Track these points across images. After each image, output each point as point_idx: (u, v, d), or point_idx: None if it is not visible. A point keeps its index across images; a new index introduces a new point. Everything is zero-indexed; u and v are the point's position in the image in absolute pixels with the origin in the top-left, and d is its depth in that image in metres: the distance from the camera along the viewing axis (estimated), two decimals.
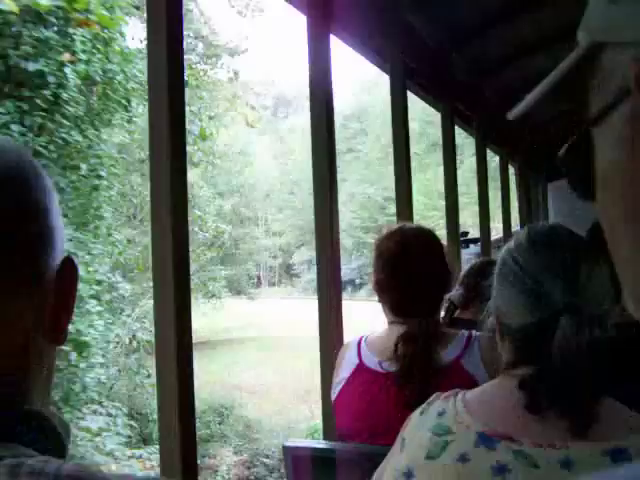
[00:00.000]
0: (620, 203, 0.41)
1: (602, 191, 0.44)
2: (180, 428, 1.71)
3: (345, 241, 40.17)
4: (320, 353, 2.58)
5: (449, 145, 5.15)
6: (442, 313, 2.27)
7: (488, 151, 7.21)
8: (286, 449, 2.05)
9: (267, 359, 20.36)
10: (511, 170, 8.55)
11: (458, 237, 5.26)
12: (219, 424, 13.50)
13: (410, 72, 4.27)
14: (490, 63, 6.11)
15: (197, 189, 18.69)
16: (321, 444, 2.23)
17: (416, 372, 1.90)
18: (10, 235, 0.63)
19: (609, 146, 0.41)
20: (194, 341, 1.86)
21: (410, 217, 3.77)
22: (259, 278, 52.42)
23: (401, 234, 2.09)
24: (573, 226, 1.29)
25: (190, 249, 1.79)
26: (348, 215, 44.78)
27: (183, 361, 1.75)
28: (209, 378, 15.60)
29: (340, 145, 50.26)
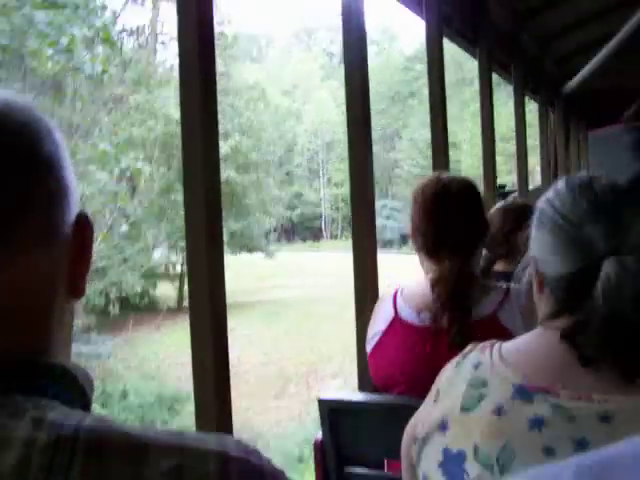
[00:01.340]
0: None
1: None
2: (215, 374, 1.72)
3: (404, 191, 39.74)
4: (355, 305, 2.58)
5: (486, 91, 5.03)
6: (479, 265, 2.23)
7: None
8: (322, 402, 2.05)
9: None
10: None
11: (495, 186, 5.18)
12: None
13: (447, 18, 4.15)
14: (529, 8, 5.93)
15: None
16: (357, 396, 2.23)
17: (453, 318, 1.88)
18: (25, 189, 0.62)
19: None
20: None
21: (446, 167, 3.71)
22: (321, 230, 52.89)
23: (436, 181, 2.08)
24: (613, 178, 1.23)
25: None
26: (408, 162, 44.02)
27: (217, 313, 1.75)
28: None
29: (403, 88, 49.27)
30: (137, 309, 19.87)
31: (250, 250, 25.87)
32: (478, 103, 5.12)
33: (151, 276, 20.74)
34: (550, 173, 7.60)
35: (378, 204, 41.81)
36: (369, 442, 2.03)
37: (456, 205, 2.02)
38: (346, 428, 2.04)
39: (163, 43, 23.13)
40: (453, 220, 2.00)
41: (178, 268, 22.70)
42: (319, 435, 2.09)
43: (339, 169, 53.41)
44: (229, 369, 1.82)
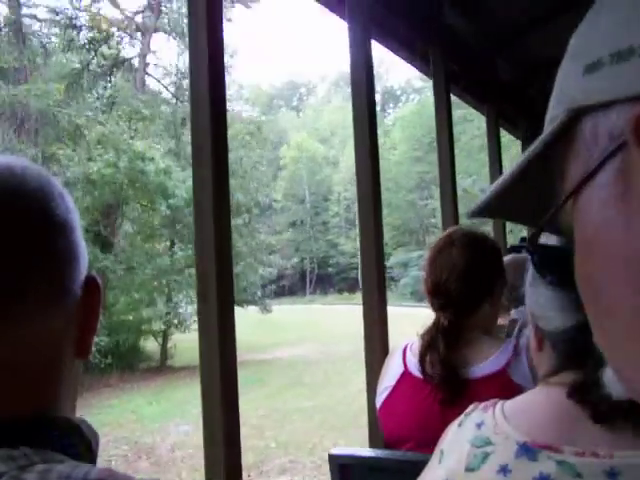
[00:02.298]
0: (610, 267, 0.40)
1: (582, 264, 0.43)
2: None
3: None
4: (365, 359, 2.57)
5: (494, 148, 5.08)
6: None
7: None
8: (332, 457, 2.03)
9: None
10: None
11: (504, 244, 5.18)
12: None
13: (454, 76, 4.23)
14: (535, 64, 6.02)
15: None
16: (367, 452, 2.20)
17: (434, 365, 1.89)
18: (41, 250, 0.65)
19: (595, 211, 0.40)
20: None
21: (455, 221, 3.73)
22: (357, 281, 52.17)
23: (451, 233, 2.08)
24: None
25: None
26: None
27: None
28: None
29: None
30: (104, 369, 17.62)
31: (240, 303, 23.17)
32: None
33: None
34: None
35: (414, 255, 41.33)
36: None
37: (456, 257, 1.99)
38: None
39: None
40: (450, 272, 1.98)
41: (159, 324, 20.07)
42: None
43: None
44: (239, 423, 1.83)
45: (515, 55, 5.54)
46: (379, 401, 2.05)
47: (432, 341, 1.91)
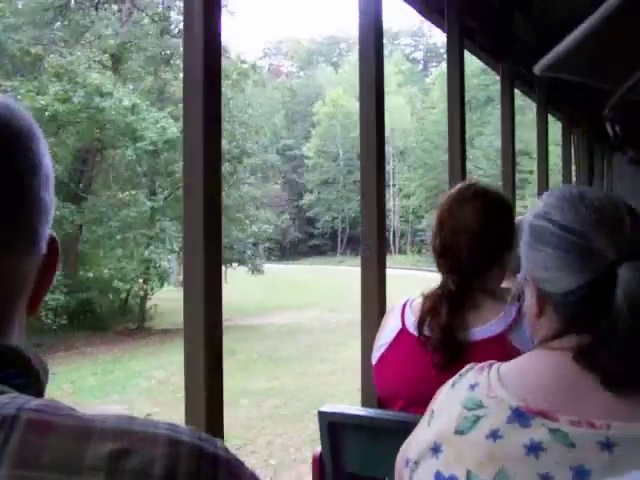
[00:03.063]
0: None
1: None
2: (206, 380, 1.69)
3: None
4: (361, 317, 2.54)
5: (508, 108, 4.98)
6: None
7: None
8: (322, 414, 2.01)
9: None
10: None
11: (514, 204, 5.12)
12: None
13: (469, 30, 4.12)
14: (555, 23, 5.87)
15: None
16: (358, 410, 2.19)
17: (433, 330, 1.84)
18: (18, 198, 0.64)
19: None
20: None
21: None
22: (389, 243, 51.13)
23: (462, 191, 1.98)
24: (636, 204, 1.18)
25: None
26: (477, 173, 42.61)
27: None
28: None
29: (479, 93, 48.39)
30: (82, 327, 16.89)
31: (225, 262, 22.65)
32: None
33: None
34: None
35: None
36: (368, 458, 1.99)
37: (468, 220, 1.92)
38: (346, 443, 2.01)
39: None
40: (460, 234, 1.91)
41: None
42: (318, 449, 2.05)
43: (411, 179, 52.99)
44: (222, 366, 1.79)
45: (534, 14, 5.40)
46: (375, 357, 2.02)
47: (436, 304, 1.86)
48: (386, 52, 69.10)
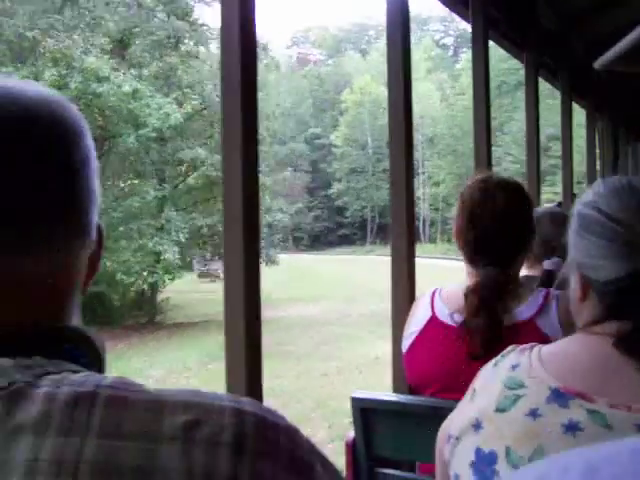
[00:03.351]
0: None
1: None
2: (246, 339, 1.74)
3: None
4: (392, 305, 2.57)
5: (532, 97, 4.96)
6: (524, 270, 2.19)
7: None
8: (354, 400, 2.05)
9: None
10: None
11: (539, 194, 5.11)
12: None
13: (493, 20, 4.11)
14: (579, 11, 5.83)
15: None
16: (390, 396, 2.22)
17: (481, 324, 1.86)
18: (78, 193, 0.67)
19: None
20: None
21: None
22: (418, 231, 49.64)
23: (485, 182, 2.02)
24: None
25: None
26: (508, 159, 41.71)
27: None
28: None
29: (510, 77, 47.25)
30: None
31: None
32: None
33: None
34: (598, 178, 7.44)
35: None
36: (401, 443, 2.02)
37: (501, 211, 1.95)
38: (378, 429, 2.03)
39: None
40: (496, 227, 1.94)
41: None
42: (351, 434, 2.09)
43: (440, 166, 51.77)
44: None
45: (557, 2, 5.36)
46: (405, 345, 2.06)
47: (482, 296, 1.89)
48: (415, 38, 66.10)
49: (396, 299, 2.54)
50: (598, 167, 8.03)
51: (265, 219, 20.45)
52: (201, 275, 28.89)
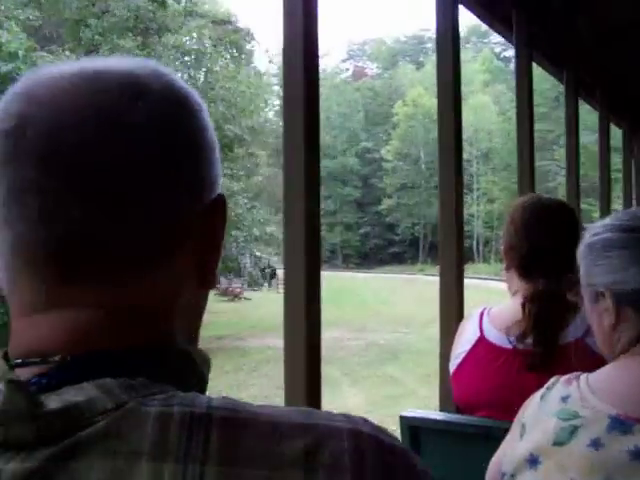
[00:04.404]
0: None
1: None
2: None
3: None
4: (440, 324, 2.57)
5: (573, 118, 4.93)
6: None
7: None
8: (403, 419, 2.05)
9: None
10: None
11: (579, 212, 5.07)
12: None
13: (535, 41, 4.10)
14: (615, 27, 5.78)
15: None
16: (438, 415, 2.22)
17: (538, 335, 1.86)
18: (177, 161, 0.61)
19: None
20: None
21: (532, 190, 3.67)
22: (471, 250, 48.33)
23: (537, 200, 2.08)
24: None
25: None
26: (562, 173, 40.15)
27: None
28: None
29: None
30: None
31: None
32: None
33: None
34: (633, 201, 7.36)
35: None
36: (450, 464, 2.02)
37: (554, 226, 2.00)
38: (426, 447, 2.03)
39: None
40: (551, 241, 1.98)
41: None
42: None
43: (494, 182, 49.96)
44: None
45: (597, 17, 5.33)
46: (453, 366, 2.05)
47: (537, 310, 1.90)
48: (474, 51, 64.20)
49: (444, 318, 2.54)
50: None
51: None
52: (220, 293, 26.09)
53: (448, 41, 2.73)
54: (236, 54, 20.82)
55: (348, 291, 26.99)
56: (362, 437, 0.55)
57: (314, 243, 1.75)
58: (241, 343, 16.01)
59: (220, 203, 0.65)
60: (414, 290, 28.52)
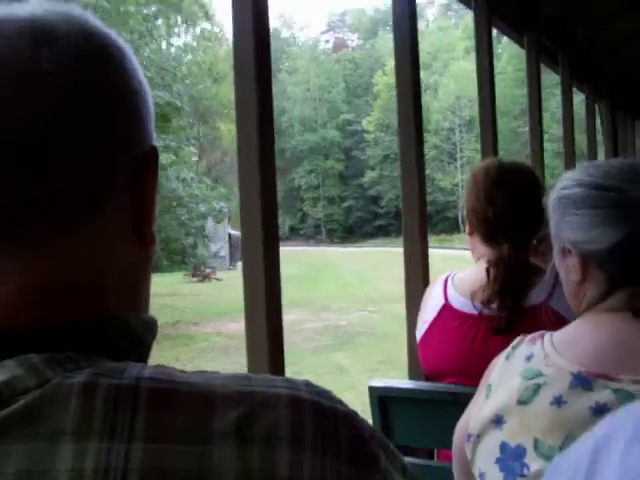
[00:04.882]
0: None
1: None
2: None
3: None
4: (405, 291, 2.57)
5: (534, 83, 4.94)
6: None
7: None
8: (372, 389, 2.05)
9: None
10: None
11: (543, 174, 5.12)
12: None
13: (495, 6, 4.09)
14: None
15: None
16: (407, 384, 2.22)
17: (503, 300, 1.87)
18: (108, 109, 0.57)
19: None
20: None
21: (495, 154, 3.68)
22: (456, 221, 47.70)
23: (499, 165, 2.05)
24: None
25: None
26: (545, 136, 39.94)
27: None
28: None
29: None
30: None
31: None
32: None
33: None
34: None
35: None
36: (419, 431, 2.03)
37: (518, 191, 1.99)
38: (396, 416, 2.04)
39: None
40: (514, 206, 1.96)
41: None
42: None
43: (478, 150, 50.09)
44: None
45: None
46: (419, 334, 2.06)
47: (502, 276, 1.90)
48: (456, 18, 63.71)
49: (409, 288, 2.54)
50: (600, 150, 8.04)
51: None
52: (191, 274, 25.49)
53: (405, 12, 2.69)
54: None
55: (327, 268, 26.67)
56: (301, 403, 0.52)
57: (271, 219, 1.72)
58: (195, 329, 15.33)
59: (152, 155, 0.61)
60: (397, 264, 27.96)
